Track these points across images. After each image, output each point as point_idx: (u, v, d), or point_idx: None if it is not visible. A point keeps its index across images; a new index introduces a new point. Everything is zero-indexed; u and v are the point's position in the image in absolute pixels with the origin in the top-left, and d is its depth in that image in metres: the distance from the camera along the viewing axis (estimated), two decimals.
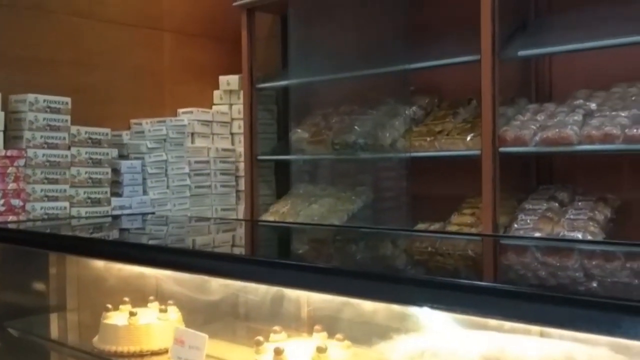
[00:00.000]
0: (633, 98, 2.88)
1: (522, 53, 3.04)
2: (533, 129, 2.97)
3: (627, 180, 3.03)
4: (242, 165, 4.16)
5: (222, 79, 4.34)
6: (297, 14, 3.89)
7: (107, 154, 3.61)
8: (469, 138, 3.17)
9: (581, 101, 3.01)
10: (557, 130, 2.85)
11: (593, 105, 2.96)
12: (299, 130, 3.95)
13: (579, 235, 2.81)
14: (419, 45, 3.45)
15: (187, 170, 3.98)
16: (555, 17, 3.27)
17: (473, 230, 3.16)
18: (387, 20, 3.56)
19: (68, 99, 3.46)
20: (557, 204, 3.06)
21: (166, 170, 3.90)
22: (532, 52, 3.09)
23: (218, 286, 1.82)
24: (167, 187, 3.90)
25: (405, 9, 3.43)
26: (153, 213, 3.57)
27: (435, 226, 3.37)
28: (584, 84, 3.12)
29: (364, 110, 3.78)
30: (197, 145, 4.12)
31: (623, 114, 2.78)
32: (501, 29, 2.98)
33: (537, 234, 2.90)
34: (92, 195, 3.53)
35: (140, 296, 2.16)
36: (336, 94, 3.98)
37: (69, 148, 3.46)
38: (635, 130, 2.66)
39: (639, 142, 2.63)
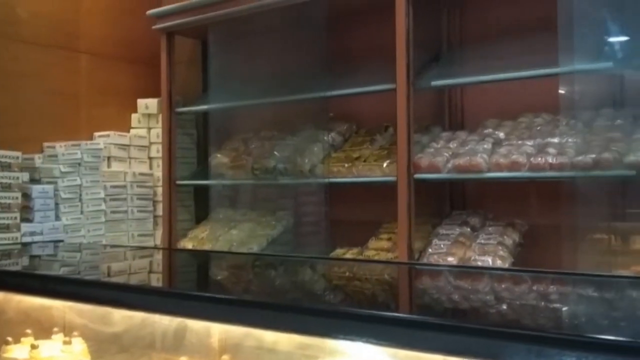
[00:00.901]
0: (538, 128, 3.02)
1: (435, 83, 3.14)
2: (446, 156, 3.06)
3: (534, 206, 3.16)
4: (160, 190, 4.09)
5: (141, 102, 4.28)
6: (217, 40, 3.89)
7: (18, 178, 3.48)
8: (385, 164, 3.24)
9: (490, 130, 3.13)
10: (468, 157, 2.95)
11: (501, 135, 3.08)
12: (219, 155, 3.92)
13: (489, 260, 2.91)
14: (338, 73, 3.51)
15: (102, 195, 3.88)
16: (466, 49, 3.40)
17: (390, 255, 3.22)
18: (306, 48, 3.60)
19: None
20: (469, 229, 3.15)
21: (80, 195, 3.79)
22: (445, 83, 3.20)
23: (125, 316, 1.78)
24: (81, 212, 3.79)
25: (325, 38, 3.49)
26: (62, 241, 3.45)
27: (353, 251, 3.41)
28: (494, 113, 3.25)
29: (283, 136, 3.81)
30: (113, 170, 4.03)
31: (529, 143, 2.91)
32: (415, 59, 3.07)
33: (450, 258, 2.98)
34: (1, 221, 3.39)
35: (45, 327, 2.08)
36: (256, 120, 3.99)
37: None
38: (539, 159, 2.78)
39: (543, 170, 2.76)
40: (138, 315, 1.64)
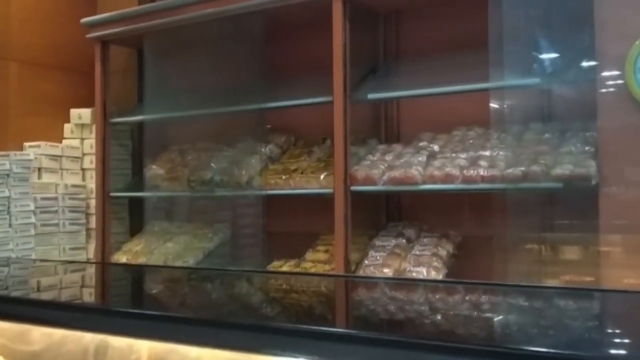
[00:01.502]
0: (471, 141, 3.08)
1: (371, 96, 3.17)
2: (382, 168, 3.09)
3: (467, 217, 3.22)
4: (93, 202, 3.99)
5: (74, 112, 4.17)
6: (153, 49, 3.83)
7: None
8: (322, 176, 3.24)
9: (425, 143, 3.18)
10: (403, 170, 2.99)
11: (436, 147, 3.13)
12: (154, 167, 3.86)
13: (424, 271, 2.94)
14: (276, 85, 3.51)
15: (32, 207, 3.76)
16: (402, 63, 3.45)
17: (327, 267, 3.22)
18: (244, 60, 3.59)
19: None
20: (404, 241, 3.18)
21: (9, 208, 3.67)
22: (381, 96, 3.24)
23: (44, 334, 1.71)
24: (10, 225, 3.67)
25: (262, 50, 3.49)
26: None
27: (291, 263, 3.39)
28: (429, 126, 3.30)
29: (220, 148, 3.77)
30: (44, 181, 3.91)
31: (462, 156, 2.97)
32: (352, 72, 3.10)
33: (386, 270, 3.00)
34: None
35: None
36: (193, 131, 3.94)
37: None
38: (472, 171, 2.84)
39: (475, 182, 2.81)
40: (58, 333, 1.58)
